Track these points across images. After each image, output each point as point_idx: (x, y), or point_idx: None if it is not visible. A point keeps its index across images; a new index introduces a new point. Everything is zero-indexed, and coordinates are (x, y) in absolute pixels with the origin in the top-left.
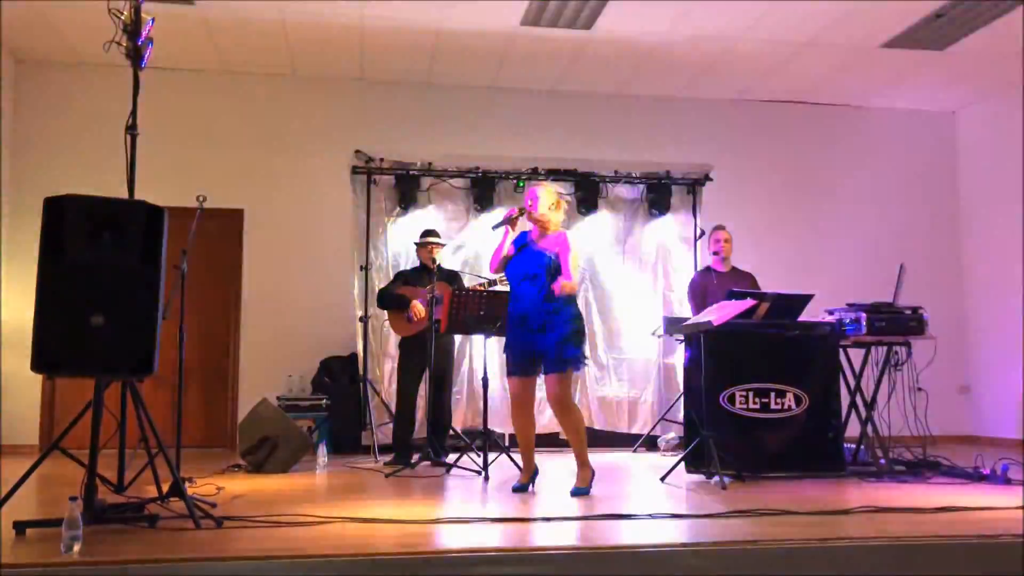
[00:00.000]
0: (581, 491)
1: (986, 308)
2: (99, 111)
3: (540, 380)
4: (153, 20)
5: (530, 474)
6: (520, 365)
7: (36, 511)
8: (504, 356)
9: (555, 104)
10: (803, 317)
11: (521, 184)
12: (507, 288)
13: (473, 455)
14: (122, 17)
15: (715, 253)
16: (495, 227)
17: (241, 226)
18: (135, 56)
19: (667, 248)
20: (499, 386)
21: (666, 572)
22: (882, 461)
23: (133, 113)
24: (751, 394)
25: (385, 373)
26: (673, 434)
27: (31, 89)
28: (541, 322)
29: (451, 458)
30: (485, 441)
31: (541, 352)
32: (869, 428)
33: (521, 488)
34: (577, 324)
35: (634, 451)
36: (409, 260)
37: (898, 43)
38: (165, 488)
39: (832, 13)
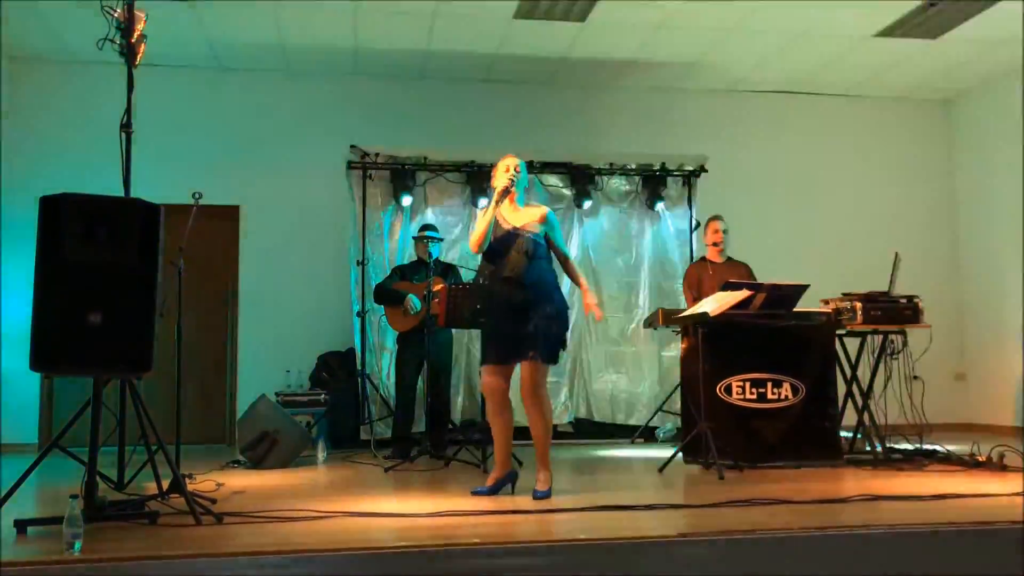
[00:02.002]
0: (547, 494)
1: (981, 296)
2: (94, 109)
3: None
4: (147, 17)
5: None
6: (504, 352)
7: (37, 510)
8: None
9: (549, 97)
10: (799, 307)
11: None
12: None
13: (472, 448)
14: (115, 14)
15: (714, 244)
16: (484, 206)
17: (237, 222)
18: (129, 53)
19: (662, 240)
20: None
21: (665, 562)
22: (879, 449)
23: (128, 110)
24: (747, 384)
25: (383, 367)
26: (671, 425)
27: (25, 87)
28: (530, 306)
29: (450, 451)
30: (484, 434)
31: (526, 337)
32: (866, 417)
33: (492, 491)
34: (564, 309)
35: (632, 442)
36: (405, 254)
37: (891, 32)
38: (165, 485)
39: (825, 3)
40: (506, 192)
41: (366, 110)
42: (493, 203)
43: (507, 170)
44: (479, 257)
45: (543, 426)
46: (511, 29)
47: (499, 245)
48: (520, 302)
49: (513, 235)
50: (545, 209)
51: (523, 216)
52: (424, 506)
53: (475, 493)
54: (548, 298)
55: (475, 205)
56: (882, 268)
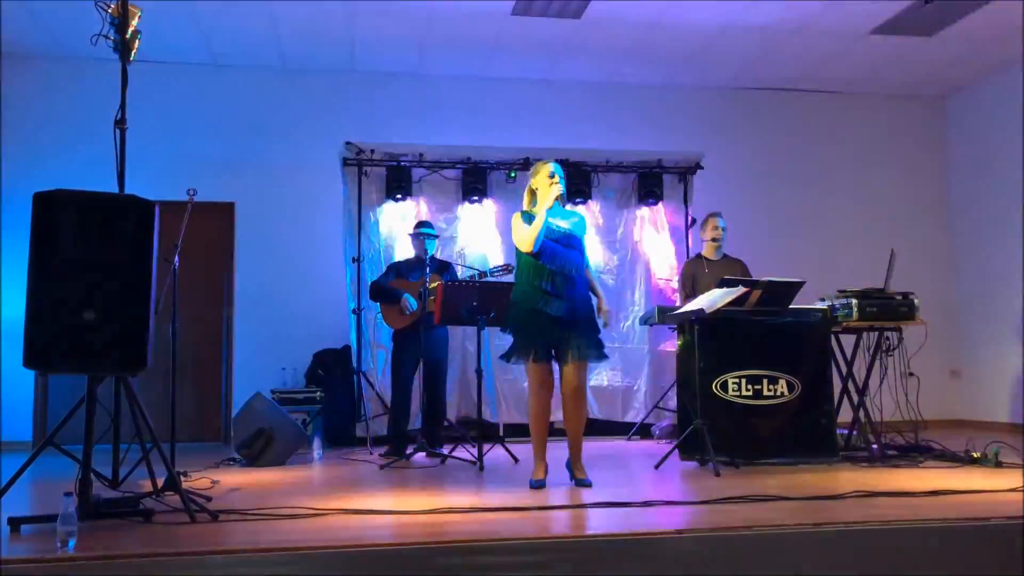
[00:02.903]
0: (588, 482)
1: (976, 293)
2: (88, 105)
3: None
4: (140, 13)
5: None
6: (546, 351)
7: (31, 507)
8: (517, 338)
9: (545, 93)
10: (795, 304)
11: (513, 175)
12: (506, 279)
13: (468, 446)
14: (109, 10)
15: (712, 240)
16: (526, 212)
17: (232, 219)
18: (123, 49)
19: (658, 236)
20: (491, 377)
21: (661, 559)
22: (874, 446)
23: (122, 107)
24: (743, 381)
25: (379, 365)
26: (667, 422)
27: (18, 83)
28: (574, 308)
29: (446, 449)
30: (480, 431)
31: (570, 338)
32: (861, 413)
33: (542, 483)
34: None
35: (628, 439)
36: (400, 252)
37: (887, 29)
38: (160, 483)
39: (822, 0)
40: (563, 198)
41: (362, 106)
42: (544, 209)
43: (549, 176)
44: (475, 254)
45: (582, 420)
46: (508, 25)
47: (555, 243)
48: (575, 299)
49: (565, 234)
50: (580, 215)
51: (565, 218)
52: (420, 503)
53: (534, 487)
54: (588, 295)
55: (471, 202)
56: (878, 265)
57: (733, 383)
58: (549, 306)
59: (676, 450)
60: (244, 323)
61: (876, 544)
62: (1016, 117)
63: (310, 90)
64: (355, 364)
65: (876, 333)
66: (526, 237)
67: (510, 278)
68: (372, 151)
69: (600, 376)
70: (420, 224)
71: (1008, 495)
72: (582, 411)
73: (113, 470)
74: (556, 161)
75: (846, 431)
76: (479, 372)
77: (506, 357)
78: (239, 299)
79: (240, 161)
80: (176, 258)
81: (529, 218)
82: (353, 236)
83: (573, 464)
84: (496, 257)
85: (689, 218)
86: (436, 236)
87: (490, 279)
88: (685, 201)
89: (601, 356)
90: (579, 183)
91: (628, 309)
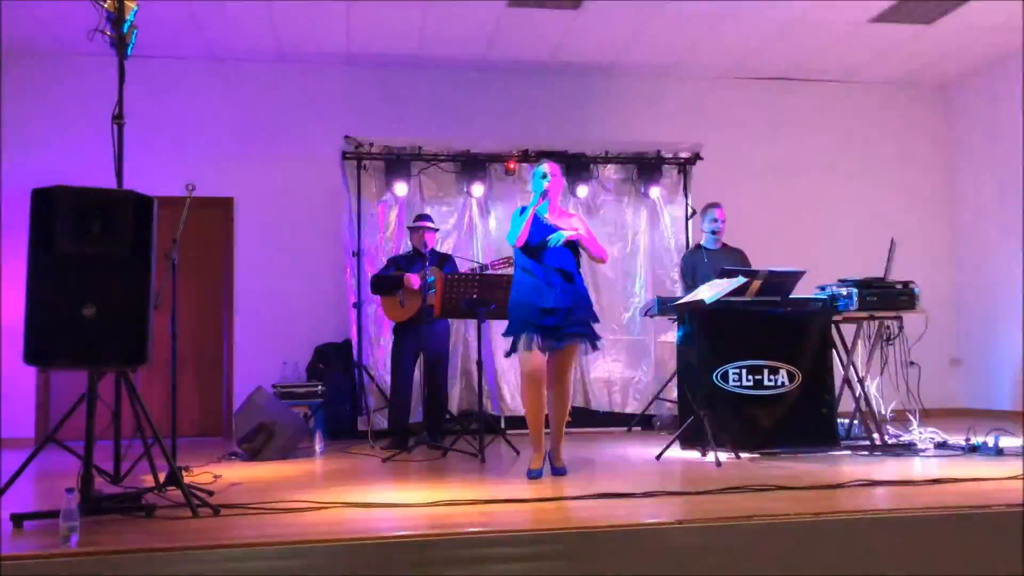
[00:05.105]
0: (565, 470)
1: (976, 281)
2: (86, 101)
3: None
4: (137, 8)
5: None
6: (538, 340)
7: (33, 503)
8: (515, 332)
9: (544, 84)
10: (795, 293)
11: (511, 167)
12: (507, 271)
13: (470, 438)
14: (105, 5)
15: (713, 232)
16: (524, 209)
17: (232, 214)
18: (120, 45)
19: (658, 227)
20: (492, 370)
21: (662, 549)
22: (875, 435)
23: (120, 102)
24: (744, 371)
25: (379, 358)
26: (668, 413)
27: (15, 79)
28: (565, 299)
29: (448, 441)
30: (481, 424)
31: (561, 328)
32: (862, 403)
33: (539, 474)
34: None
35: (628, 430)
36: (400, 245)
37: (887, 18)
38: (162, 477)
39: None
40: (545, 194)
41: (360, 100)
42: (532, 206)
43: (541, 177)
44: (474, 248)
45: (566, 409)
46: (505, 16)
47: (542, 238)
48: (568, 290)
49: (554, 230)
50: (576, 213)
51: (561, 216)
52: (422, 496)
53: (532, 477)
54: (584, 289)
55: (470, 195)
56: (878, 254)
57: (734, 373)
58: (542, 297)
59: (677, 441)
60: (245, 318)
61: (877, 533)
62: (1017, 105)
63: (308, 84)
64: (356, 358)
65: (876, 322)
66: (516, 231)
67: (511, 270)
68: (371, 144)
69: (601, 367)
70: (418, 217)
71: (1009, 483)
72: (566, 400)
73: (115, 465)
74: (551, 160)
75: (847, 421)
76: (480, 364)
77: (507, 352)
78: (239, 294)
79: (239, 156)
80: (175, 253)
81: (523, 211)
82: (353, 230)
83: (553, 452)
84: (496, 250)
85: (688, 208)
86: (436, 229)
87: (491, 271)
88: (685, 191)
89: (593, 346)
90: (578, 174)
91: (628, 300)
